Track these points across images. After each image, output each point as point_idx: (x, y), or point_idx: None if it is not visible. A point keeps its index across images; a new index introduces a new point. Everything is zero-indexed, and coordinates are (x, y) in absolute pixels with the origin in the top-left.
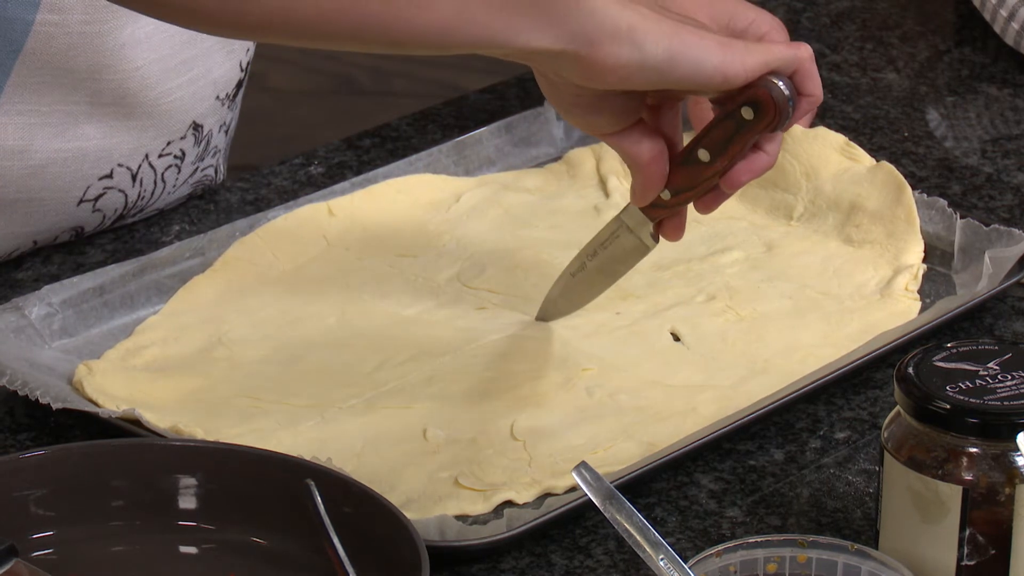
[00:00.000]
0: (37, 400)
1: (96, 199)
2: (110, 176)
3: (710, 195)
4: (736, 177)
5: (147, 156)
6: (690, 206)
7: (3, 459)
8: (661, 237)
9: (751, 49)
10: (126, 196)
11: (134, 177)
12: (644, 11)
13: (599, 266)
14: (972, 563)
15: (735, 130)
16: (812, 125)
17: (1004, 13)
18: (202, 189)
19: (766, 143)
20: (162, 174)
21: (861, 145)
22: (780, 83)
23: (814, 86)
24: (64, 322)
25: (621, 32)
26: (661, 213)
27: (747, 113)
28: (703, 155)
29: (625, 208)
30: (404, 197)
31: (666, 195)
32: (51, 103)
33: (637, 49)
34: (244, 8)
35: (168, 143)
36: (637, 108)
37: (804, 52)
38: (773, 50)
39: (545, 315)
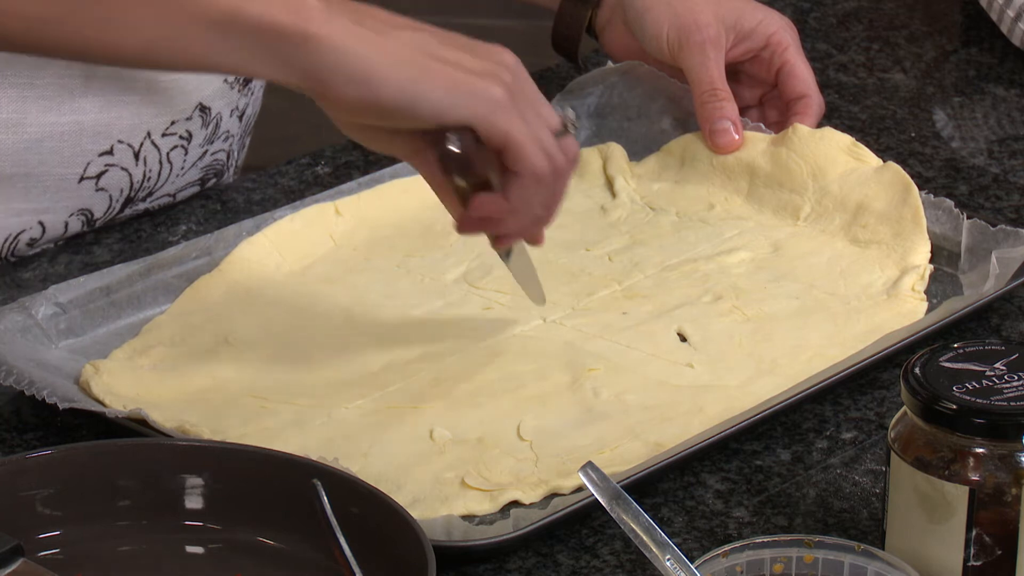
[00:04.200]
0: (44, 400)
1: (98, 176)
2: (110, 152)
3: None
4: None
5: (149, 134)
6: None
7: (10, 459)
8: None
9: (482, 103)
10: (130, 175)
11: (136, 155)
12: (392, 48)
13: None
14: (978, 563)
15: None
16: (819, 125)
17: (1011, 14)
18: (215, 174)
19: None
20: (167, 154)
21: (868, 145)
22: (452, 138)
23: (514, 161)
24: (71, 322)
25: (355, 76)
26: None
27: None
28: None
29: None
30: (411, 197)
31: None
32: (45, 75)
33: (372, 92)
34: None
35: (172, 123)
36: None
37: (517, 131)
38: (485, 116)
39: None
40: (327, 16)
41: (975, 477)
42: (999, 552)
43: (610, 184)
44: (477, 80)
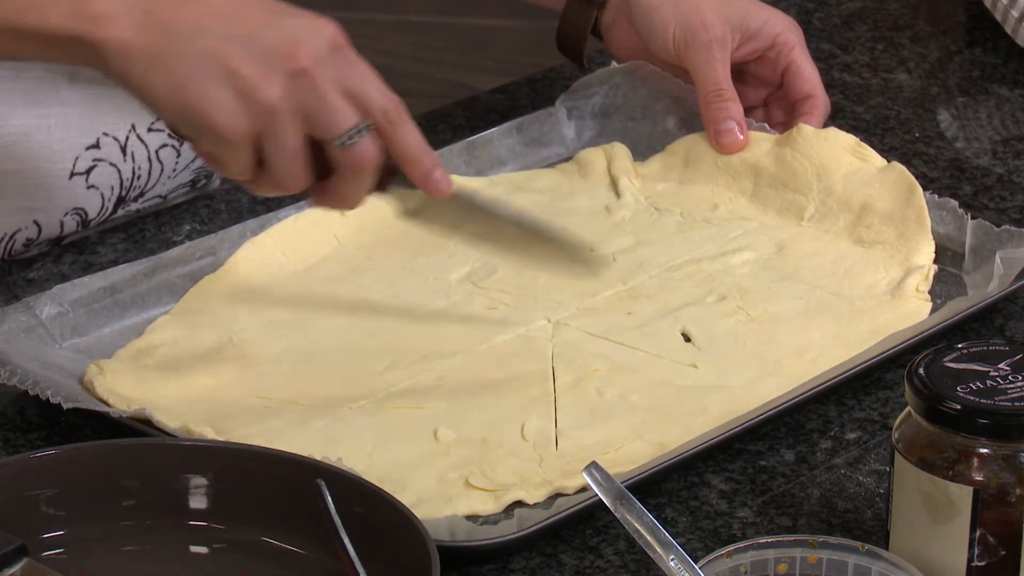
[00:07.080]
0: (48, 400)
1: (88, 172)
2: (97, 146)
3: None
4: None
5: (134, 127)
6: None
7: (14, 459)
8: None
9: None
10: (119, 172)
11: (123, 150)
12: (172, 64)
13: None
14: (982, 564)
15: None
16: (824, 126)
17: (1015, 14)
18: (205, 176)
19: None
20: (156, 152)
21: (872, 146)
22: None
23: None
24: (75, 322)
25: (138, 91)
26: None
27: None
28: None
29: None
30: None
31: None
32: (30, 70)
33: (155, 109)
34: None
35: (157, 118)
36: None
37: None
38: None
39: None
40: (112, 17)
41: (979, 477)
42: (1003, 552)
43: (614, 184)
44: (253, 92)
